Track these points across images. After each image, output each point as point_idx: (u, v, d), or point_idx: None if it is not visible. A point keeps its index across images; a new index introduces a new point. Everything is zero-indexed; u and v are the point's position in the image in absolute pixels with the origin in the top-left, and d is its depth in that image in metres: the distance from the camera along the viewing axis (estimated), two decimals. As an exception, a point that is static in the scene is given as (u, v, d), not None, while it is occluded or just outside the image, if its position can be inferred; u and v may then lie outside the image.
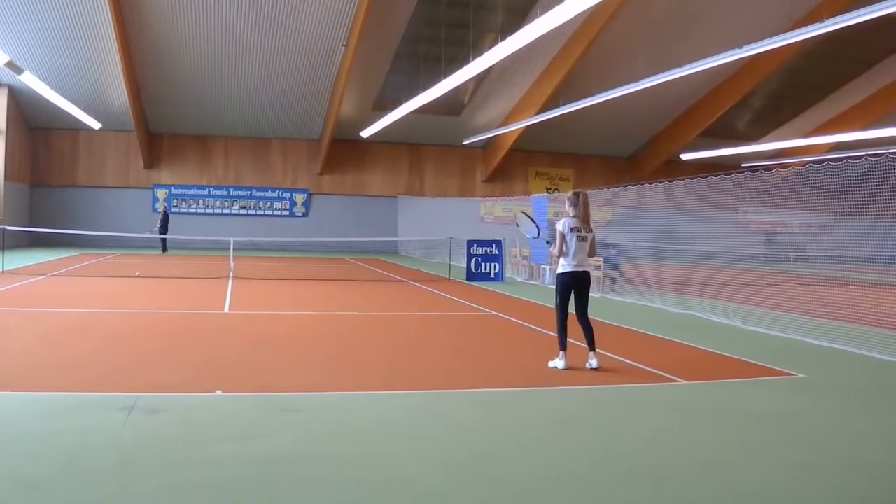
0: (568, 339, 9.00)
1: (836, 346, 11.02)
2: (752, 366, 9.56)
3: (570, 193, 9.26)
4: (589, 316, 9.21)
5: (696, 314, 14.51)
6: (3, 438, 5.57)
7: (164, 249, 30.34)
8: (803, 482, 5.28)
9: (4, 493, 4.54)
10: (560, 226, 9.03)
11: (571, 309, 9.08)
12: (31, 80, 22.94)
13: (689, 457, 5.78)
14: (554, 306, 9.17)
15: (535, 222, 10.09)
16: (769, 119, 38.12)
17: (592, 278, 9.62)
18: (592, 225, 9.18)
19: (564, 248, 8.94)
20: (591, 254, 9.24)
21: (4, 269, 18.97)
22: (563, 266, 9.03)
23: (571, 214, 9.07)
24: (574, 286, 9.02)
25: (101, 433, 5.78)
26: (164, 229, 29.88)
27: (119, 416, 6.22)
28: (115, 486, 4.70)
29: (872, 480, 5.36)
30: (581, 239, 8.92)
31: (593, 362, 8.93)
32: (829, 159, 14.96)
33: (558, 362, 8.88)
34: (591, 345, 9.06)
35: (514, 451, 5.80)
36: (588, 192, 9.44)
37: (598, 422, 6.78)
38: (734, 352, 10.44)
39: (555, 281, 9.37)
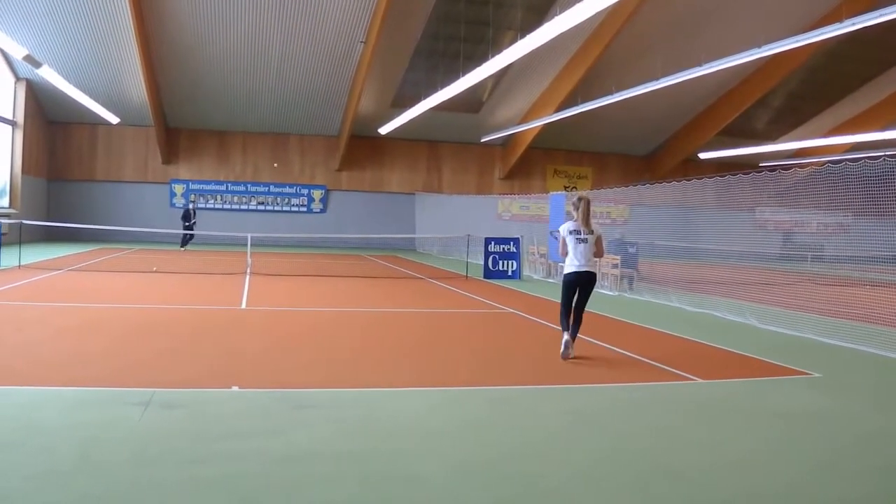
0: (579, 336, 9.59)
1: (851, 345, 10.98)
2: (767, 365, 9.55)
3: (574, 198, 9.88)
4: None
5: (713, 313, 14.47)
6: (19, 432, 5.62)
7: (183, 245, 30.37)
8: (820, 481, 5.27)
9: (20, 486, 4.59)
10: (562, 229, 9.64)
11: None
12: (49, 74, 23.04)
13: (706, 455, 5.78)
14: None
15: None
16: (788, 119, 37.86)
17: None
18: (595, 226, 9.63)
19: (567, 250, 9.50)
20: (599, 254, 9.78)
21: (21, 263, 19.07)
22: (567, 266, 9.59)
23: (573, 218, 9.63)
24: (577, 285, 9.50)
25: (117, 428, 5.83)
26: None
27: (135, 410, 6.26)
28: (130, 481, 4.74)
29: (888, 480, 5.35)
30: (580, 241, 9.43)
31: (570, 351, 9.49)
32: (847, 159, 14.87)
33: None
34: (573, 335, 9.52)
35: (530, 448, 5.81)
36: (593, 194, 9.95)
37: (614, 420, 6.77)
38: (750, 351, 10.43)
39: (560, 280, 9.97)
